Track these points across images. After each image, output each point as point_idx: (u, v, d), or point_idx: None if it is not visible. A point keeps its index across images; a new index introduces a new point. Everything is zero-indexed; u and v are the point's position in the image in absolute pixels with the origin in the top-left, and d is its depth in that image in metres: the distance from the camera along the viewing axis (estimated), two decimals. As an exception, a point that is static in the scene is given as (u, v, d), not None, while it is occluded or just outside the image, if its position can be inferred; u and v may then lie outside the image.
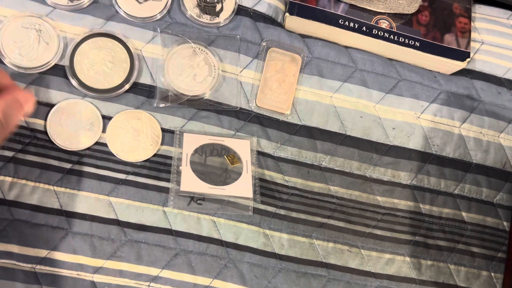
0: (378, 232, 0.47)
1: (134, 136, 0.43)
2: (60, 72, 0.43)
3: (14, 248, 0.39)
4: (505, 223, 0.51)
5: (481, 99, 0.52)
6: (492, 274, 0.49)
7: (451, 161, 0.50)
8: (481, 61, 0.54)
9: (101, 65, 0.43)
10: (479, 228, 0.50)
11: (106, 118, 0.43)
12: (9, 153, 0.41)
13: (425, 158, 0.50)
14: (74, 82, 0.43)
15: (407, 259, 0.47)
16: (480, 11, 0.56)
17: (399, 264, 0.47)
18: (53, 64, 0.43)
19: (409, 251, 0.47)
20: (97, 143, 0.43)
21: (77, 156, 0.42)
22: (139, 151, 0.43)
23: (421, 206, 0.49)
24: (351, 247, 0.46)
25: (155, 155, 0.43)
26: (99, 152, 0.42)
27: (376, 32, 0.49)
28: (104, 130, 0.43)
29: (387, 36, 0.49)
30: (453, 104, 0.51)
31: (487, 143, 0.51)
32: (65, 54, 0.43)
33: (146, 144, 0.43)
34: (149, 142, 0.43)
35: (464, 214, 0.50)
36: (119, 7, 0.45)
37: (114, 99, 0.44)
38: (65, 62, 0.43)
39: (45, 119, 0.42)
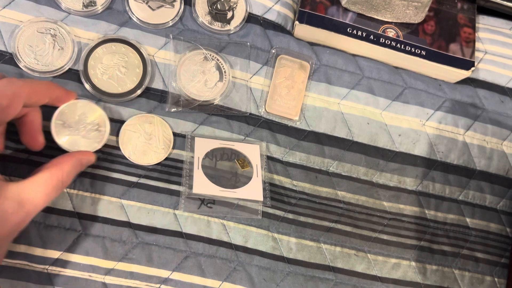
0: (385, 236, 0.48)
1: (146, 139, 0.44)
2: (74, 77, 0.44)
3: (28, 249, 0.40)
4: (508, 229, 0.52)
5: (485, 108, 0.53)
6: (496, 279, 0.50)
7: (455, 167, 0.51)
8: (484, 70, 0.55)
9: (114, 70, 0.44)
10: (483, 234, 0.51)
11: (118, 122, 0.44)
12: (23, 155, 0.41)
13: (430, 165, 0.51)
14: (87, 86, 0.43)
15: (413, 263, 0.48)
16: (483, 22, 0.57)
17: (405, 268, 0.48)
18: (67, 68, 0.43)
19: (415, 255, 0.48)
20: (109, 146, 0.43)
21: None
22: (150, 154, 0.44)
23: (426, 211, 0.50)
24: (358, 251, 0.47)
25: (166, 158, 0.44)
26: (112, 156, 0.43)
27: (383, 40, 0.50)
28: (114, 134, 0.43)
29: (394, 44, 0.50)
30: (457, 112, 0.52)
31: (490, 150, 0.52)
32: (79, 59, 0.44)
33: (158, 147, 0.44)
34: (161, 146, 0.44)
35: (468, 220, 0.50)
36: (133, 14, 0.46)
37: (126, 104, 0.44)
38: (79, 67, 0.44)
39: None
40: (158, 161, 0.44)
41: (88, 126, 0.40)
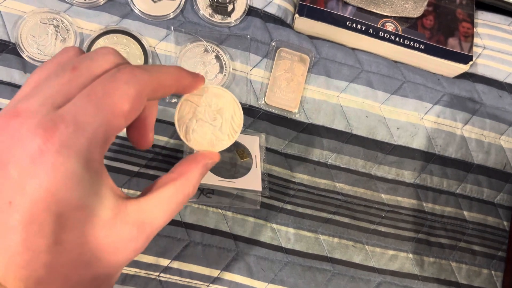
0: (382, 228, 0.48)
1: (211, 120, 0.34)
2: (76, 67, 0.44)
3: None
4: (505, 223, 0.52)
5: (483, 102, 0.54)
6: (493, 272, 0.50)
7: (453, 161, 0.52)
8: (483, 65, 0.55)
9: (116, 60, 0.45)
10: (480, 227, 0.51)
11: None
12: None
13: (428, 158, 0.51)
14: (89, 76, 0.44)
15: (410, 255, 0.48)
16: (482, 18, 0.58)
17: (402, 260, 0.48)
18: (69, 59, 0.44)
19: (412, 248, 0.49)
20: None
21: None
22: (212, 140, 0.33)
23: (424, 204, 0.50)
24: (356, 242, 0.47)
25: (165, 148, 0.45)
26: (114, 145, 0.44)
27: (382, 34, 0.50)
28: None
29: (393, 38, 0.50)
30: (455, 106, 0.52)
31: (488, 144, 0.53)
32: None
33: (223, 131, 0.34)
34: (227, 132, 0.34)
35: (465, 213, 0.51)
36: (134, 5, 0.47)
37: (128, 94, 0.45)
38: (81, 57, 0.44)
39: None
40: (221, 149, 0.34)
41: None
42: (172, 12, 0.47)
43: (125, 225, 0.25)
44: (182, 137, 0.32)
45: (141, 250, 0.27)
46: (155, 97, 0.28)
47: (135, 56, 0.45)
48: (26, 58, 0.43)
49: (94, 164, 0.24)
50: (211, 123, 0.33)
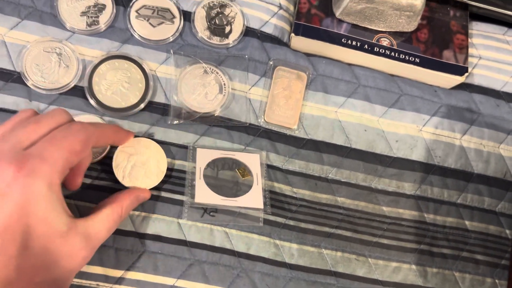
0: (385, 241, 0.49)
1: (140, 164, 0.44)
2: (79, 93, 0.45)
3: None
4: (507, 231, 0.52)
5: (480, 112, 0.54)
6: (496, 280, 0.51)
7: (453, 171, 0.52)
8: (479, 75, 0.56)
9: (118, 85, 0.46)
10: (482, 236, 0.51)
11: (123, 135, 0.45)
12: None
13: (428, 169, 0.52)
14: (92, 102, 0.45)
15: (413, 267, 0.49)
16: (477, 28, 0.59)
17: (406, 272, 0.48)
18: (72, 85, 0.45)
19: (415, 259, 0.49)
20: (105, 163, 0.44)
21: (96, 172, 0.44)
22: (143, 180, 0.43)
23: (425, 215, 0.50)
24: (359, 256, 0.48)
25: (169, 169, 0.45)
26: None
27: (378, 49, 0.51)
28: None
29: (388, 53, 0.51)
30: (453, 117, 0.53)
31: (487, 153, 0.53)
32: (84, 76, 0.46)
33: (151, 174, 0.44)
34: (154, 173, 0.44)
35: (467, 222, 0.51)
36: (134, 31, 0.48)
37: (130, 117, 0.46)
38: (84, 83, 0.45)
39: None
40: (150, 187, 0.43)
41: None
42: (171, 35, 0.49)
43: (76, 236, 0.33)
44: (120, 180, 0.42)
45: (88, 258, 0.35)
46: (98, 144, 0.38)
47: (136, 80, 0.46)
48: (31, 86, 0.44)
49: (55, 187, 0.32)
50: (141, 167, 0.43)
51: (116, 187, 0.43)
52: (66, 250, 0.33)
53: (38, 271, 0.31)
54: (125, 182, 0.43)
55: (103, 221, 0.36)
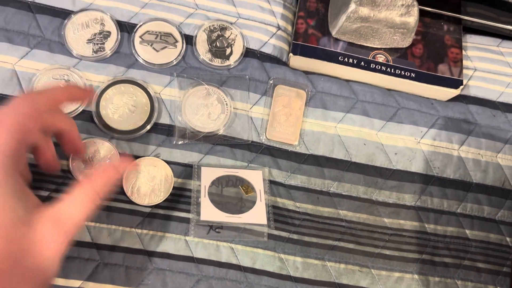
0: (387, 252, 0.50)
1: (148, 181, 0.46)
2: (87, 117, 0.47)
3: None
4: (508, 239, 0.53)
5: (477, 122, 0.56)
6: (499, 288, 0.52)
7: (452, 182, 0.53)
8: (475, 87, 0.57)
9: (124, 109, 0.48)
10: (483, 245, 0.52)
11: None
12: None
13: (427, 180, 0.53)
14: (100, 125, 0.47)
15: (416, 276, 0.50)
16: (471, 40, 0.60)
17: (408, 281, 0.50)
18: (81, 110, 0.47)
19: (417, 269, 0.50)
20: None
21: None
22: (151, 196, 0.46)
23: (426, 225, 0.52)
24: (362, 267, 0.49)
25: (175, 188, 0.47)
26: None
27: (374, 66, 0.53)
28: None
29: (384, 69, 0.53)
30: (450, 128, 0.55)
31: (485, 163, 0.54)
32: (92, 101, 0.47)
33: (159, 190, 0.46)
34: (162, 189, 0.47)
35: (467, 231, 0.52)
36: (139, 56, 0.50)
37: (137, 139, 0.48)
38: (92, 108, 0.47)
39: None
40: (156, 203, 0.46)
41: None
42: (174, 59, 0.51)
43: (45, 223, 0.32)
44: (128, 195, 0.45)
45: (64, 244, 0.32)
46: (52, 108, 0.36)
47: (141, 103, 0.48)
48: (42, 113, 0.46)
49: (9, 173, 0.31)
50: (149, 183, 0.46)
51: (124, 199, 0.45)
52: (35, 237, 0.31)
53: (4, 260, 0.30)
54: (134, 198, 0.46)
55: (74, 204, 0.34)
